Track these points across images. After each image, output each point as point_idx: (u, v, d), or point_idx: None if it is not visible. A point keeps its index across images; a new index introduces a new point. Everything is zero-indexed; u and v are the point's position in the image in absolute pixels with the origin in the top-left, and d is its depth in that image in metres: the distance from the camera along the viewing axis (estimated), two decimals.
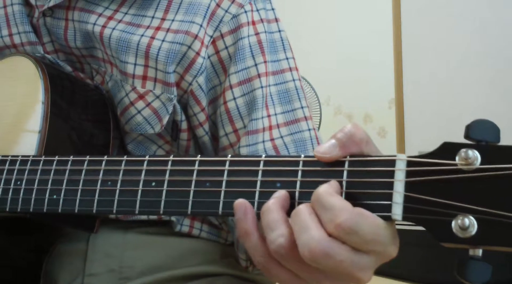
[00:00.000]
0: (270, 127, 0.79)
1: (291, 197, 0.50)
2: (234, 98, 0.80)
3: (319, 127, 2.92)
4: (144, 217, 0.84)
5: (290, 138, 0.80)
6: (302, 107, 0.82)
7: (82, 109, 0.82)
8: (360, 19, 3.23)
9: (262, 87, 0.80)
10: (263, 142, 0.78)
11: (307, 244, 0.45)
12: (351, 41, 3.25)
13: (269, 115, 0.80)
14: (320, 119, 2.94)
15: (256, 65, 0.80)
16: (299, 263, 0.48)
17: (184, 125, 0.83)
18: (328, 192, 0.46)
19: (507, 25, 2.76)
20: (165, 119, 0.81)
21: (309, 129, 0.81)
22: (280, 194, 0.50)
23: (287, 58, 0.84)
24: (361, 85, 3.19)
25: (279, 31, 0.85)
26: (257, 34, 0.81)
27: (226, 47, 0.80)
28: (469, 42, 2.87)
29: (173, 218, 0.84)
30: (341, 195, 0.47)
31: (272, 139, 0.79)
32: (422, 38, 3.03)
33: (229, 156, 0.53)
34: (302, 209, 0.47)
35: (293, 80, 0.83)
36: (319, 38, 3.35)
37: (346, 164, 0.47)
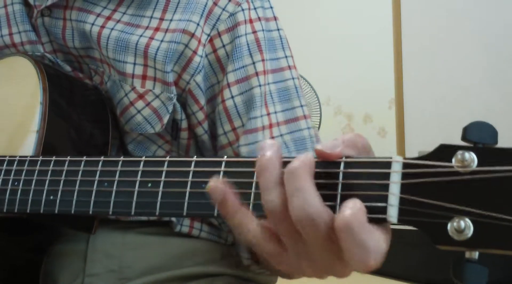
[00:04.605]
0: (270, 126, 0.79)
1: None
2: (232, 97, 0.79)
3: (319, 128, 2.92)
4: (144, 217, 0.84)
5: (290, 137, 0.80)
6: (301, 106, 0.82)
7: (80, 109, 0.82)
8: (360, 19, 3.23)
9: (260, 85, 0.79)
10: (263, 140, 0.78)
11: (300, 206, 0.45)
12: (351, 41, 3.25)
13: (268, 114, 0.79)
14: (320, 119, 2.94)
15: (254, 63, 0.80)
16: (289, 224, 0.47)
17: (184, 124, 0.83)
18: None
19: (507, 25, 2.76)
20: (165, 119, 0.81)
21: (308, 128, 0.81)
22: (277, 147, 0.49)
23: (286, 57, 0.84)
24: (361, 85, 3.19)
25: (278, 29, 0.84)
26: (254, 32, 0.81)
27: (224, 46, 0.80)
28: (469, 42, 2.87)
29: (173, 218, 0.84)
30: (337, 198, 0.47)
31: (272, 138, 0.79)
32: (422, 38, 3.03)
33: (225, 157, 0.53)
34: (298, 169, 0.46)
35: (292, 78, 0.83)
36: (319, 38, 3.35)
37: (342, 166, 0.47)
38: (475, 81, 2.84)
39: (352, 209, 0.43)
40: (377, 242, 0.43)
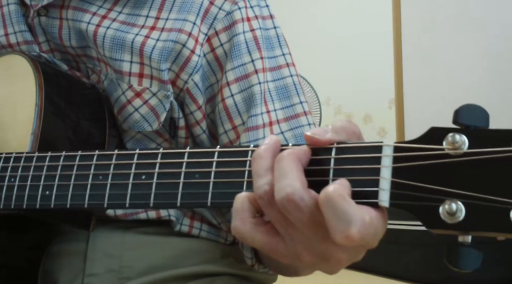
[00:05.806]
0: (270, 123, 0.79)
1: None
2: (232, 95, 0.79)
3: None
4: (143, 217, 0.84)
5: (291, 133, 0.79)
6: (301, 102, 0.82)
7: (77, 107, 0.82)
8: (360, 19, 3.24)
9: (260, 83, 0.79)
10: (264, 138, 0.78)
11: (282, 190, 0.45)
12: (351, 41, 3.25)
13: (268, 111, 0.79)
14: (320, 119, 2.94)
15: (253, 61, 0.80)
16: (277, 212, 0.47)
17: (181, 122, 0.83)
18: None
19: (507, 25, 2.76)
20: (163, 117, 0.81)
21: (309, 124, 0.81)
22: (272, 140, 0.49)
23: (283, 54, 0.84)
24: (361, 85, 3.19)
25: (275, 27, 0.84)
26: (252, 30, 0.81)
27: (221, 45, 0.80)
28: (469, 42, 2.87)
29: (172, 218, 0.84)
30: (329, 184, 0.47)
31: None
32: (422, 38, 3.03)
33: (218, 146, 0.53)
34: (286, 156, 0.47)
35: (291, 75, 0.83)
36: (319, 38, 3.36)
37: (333, 152, 0.47)
38: (475, 81, 2.84)
39: (334, 184, 0.44)
40: (361, 214, 0.43)
